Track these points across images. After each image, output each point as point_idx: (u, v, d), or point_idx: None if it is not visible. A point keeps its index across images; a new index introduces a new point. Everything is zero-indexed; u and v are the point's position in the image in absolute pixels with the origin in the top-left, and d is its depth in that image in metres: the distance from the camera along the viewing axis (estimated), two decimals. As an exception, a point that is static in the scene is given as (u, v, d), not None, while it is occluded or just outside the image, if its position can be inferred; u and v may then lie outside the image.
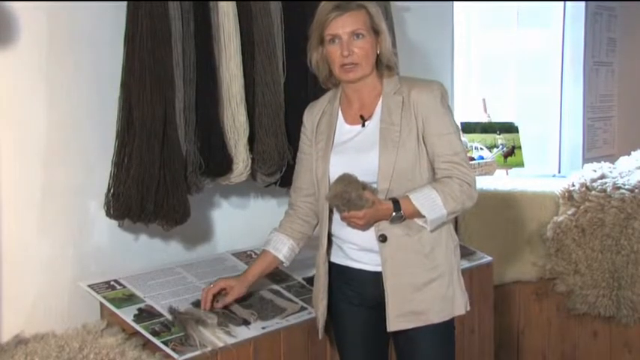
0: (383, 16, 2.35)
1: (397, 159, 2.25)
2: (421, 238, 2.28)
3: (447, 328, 2.34)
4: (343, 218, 2.26)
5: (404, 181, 2.26)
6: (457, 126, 2.35)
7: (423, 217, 2.24)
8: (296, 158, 2.55)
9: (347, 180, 2.21)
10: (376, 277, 2.30)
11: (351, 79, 2.31)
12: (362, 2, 2.30)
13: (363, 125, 2.33)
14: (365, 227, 2.27)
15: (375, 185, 2.26)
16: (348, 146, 2.33)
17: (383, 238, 2.27)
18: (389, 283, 2.27)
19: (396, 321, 2.28)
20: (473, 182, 2.29)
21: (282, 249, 2.48)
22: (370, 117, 2.33)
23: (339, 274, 2.40)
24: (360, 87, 2.34)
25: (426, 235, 2.28)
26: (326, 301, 2.42)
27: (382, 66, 2.35)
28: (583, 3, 4.94)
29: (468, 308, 2.38)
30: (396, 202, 2.23)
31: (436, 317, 2.29)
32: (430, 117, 2.28)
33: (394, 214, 2.23)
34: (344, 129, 2.36)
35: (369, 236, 2.30)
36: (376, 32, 2.31)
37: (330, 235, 2.40)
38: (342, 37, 2.27)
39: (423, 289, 2.28)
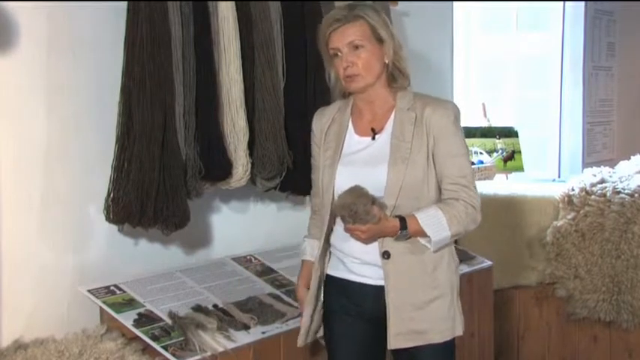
0: (388, 23, 2.31)
1: (406, 176, 2.23)
2: (424, 258, 2.26)
3: (448, 347, 2.33)
4: (347, 230, 2.25)
5: (411, 199, 2.24)
6: (467, 148, 2.33)
7: (428, 237, 2.23)
8: (310, 164, 2.49)
9: (357, 193, 2.18)
10: (377, 292, 2.28)
11: (353, 90, 2.29)
12: (360, 12, 2.25)
13: (374, 138, 2.32)
14: (367, 241, 2.26)
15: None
16: (356, 158, 2.31)
17: (387, 255, 2.25)
18: (390, 299, 2.25)
19: (396, 339, 2.26)
20: (478, 206, 2.27)
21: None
22: (381, 130, 2.30)
23: (338, 287, 2.37)
24: (370, 98, 2.31)
25: (429, 255, 2.26)
26: (311, 308, 2.39)
27: (392, 76, 2.31)
28: (582, 3, 4.94)
29: (463, 330, 2.37)
30: (402, 220, 2.22)
31: (437, 337, 2.27)
32: (442, 136, 2.25)
33: (400, 232, 2.22)
34: (353, 140, 2.33)
35: (373, 251, 2.27)
36: (380, 41, 2.27)
37: (328, 246, 2.39)
38: (342, 49, 2.25)
39: (425, 308, 2.26)
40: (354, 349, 2.39)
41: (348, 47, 2.24)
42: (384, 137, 2.29)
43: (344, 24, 2.24)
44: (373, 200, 2.18)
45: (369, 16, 2.25)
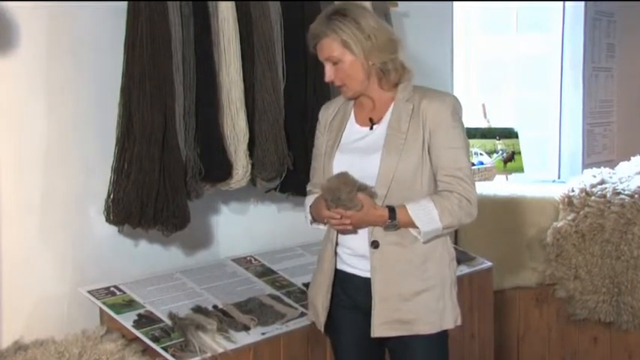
0: (365, 28, 2.24)
1: (398, 166, 2.24)
2: (414, 249, 2.27)
3: (441, 339, 2.33)
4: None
5: (402, 189, 2.24)
6: (467, 142, 2.32)
7: (418, 227, 2.23)
8: (312, 154, 2.50)
9: (343, 179, 2.21)
10: (367, 284, 2.29)
11: (349, 98, 2.35)
12: (332, 26, 2.24)
13: (371, 128, 2.33)
14: (353, 229, 2.26)
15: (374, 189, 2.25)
16: (354, 147, 2.33)
17: (375, 245, 2.26)
18: (376, 289, 2.27)
19: (380, 328, 2.27)
20: (473, 199, 2.26)
21: None
22: (380, 121, 2.33)
23: (337, 280, 2.38)
24: (368, 97, 2.34)
25: (420, 246, 2.27)
26: (329, 296, 2.39)
27: (384, 74, 2.29)
28: (582, 4, 4.94)
29: (459, 323, 2.35)
30: (392, 210, 2.22)
31: (423, 328, 2.28)
32: (438, 128, 2.26)
33: (389, 221, 2.22)
34: (354, 129, 2.37)
35: (364, 242, 2.29)
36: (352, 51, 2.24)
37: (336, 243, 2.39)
38: (324, 62, 2.30)
39: (412, 300, 2.27)
40: (354, 341, 2.40)
41: (328, 62, 2.29)
42: (381, 128, 2.32)
43: (321, 39, 2.27)
44: (360, 187, 2.19)
45: (341, 30, 2.23)
